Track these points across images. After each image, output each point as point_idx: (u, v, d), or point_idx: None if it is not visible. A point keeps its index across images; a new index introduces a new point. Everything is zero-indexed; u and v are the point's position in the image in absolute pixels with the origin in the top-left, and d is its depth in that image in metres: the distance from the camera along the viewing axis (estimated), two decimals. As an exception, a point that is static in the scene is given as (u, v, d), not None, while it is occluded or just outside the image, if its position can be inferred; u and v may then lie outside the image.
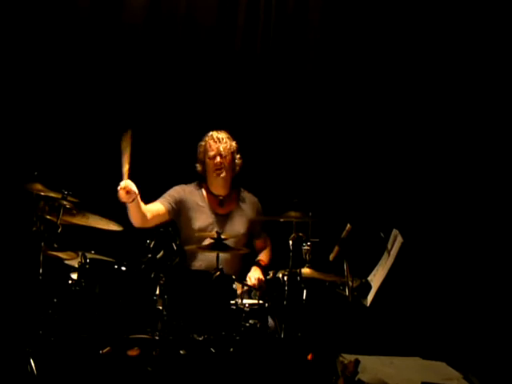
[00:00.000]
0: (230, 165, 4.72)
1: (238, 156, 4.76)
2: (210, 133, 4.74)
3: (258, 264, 4.75)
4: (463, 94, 5.08)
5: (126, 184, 4.35)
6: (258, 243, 4.88)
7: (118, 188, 4.35)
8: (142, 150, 5.02)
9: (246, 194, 4.85)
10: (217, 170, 4.69)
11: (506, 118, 5.00)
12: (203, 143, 4.74)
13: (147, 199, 4.64)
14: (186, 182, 4.83)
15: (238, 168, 4.78)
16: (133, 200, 4.42)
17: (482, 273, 4.87)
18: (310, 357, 3.92)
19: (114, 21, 5.08)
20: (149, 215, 4.61)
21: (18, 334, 3.90)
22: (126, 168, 4.34)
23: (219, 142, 4.69)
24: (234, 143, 4.74)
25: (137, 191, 4.41)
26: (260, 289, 4.38)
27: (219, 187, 4.75)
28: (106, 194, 4.58)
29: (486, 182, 5.00)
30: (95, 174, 4.97)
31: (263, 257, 4.85)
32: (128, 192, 4.37)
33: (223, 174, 4.70)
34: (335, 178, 5.16)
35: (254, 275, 4.58)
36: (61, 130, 4.99)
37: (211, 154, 4.69)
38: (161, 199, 4.72)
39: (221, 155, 4.67)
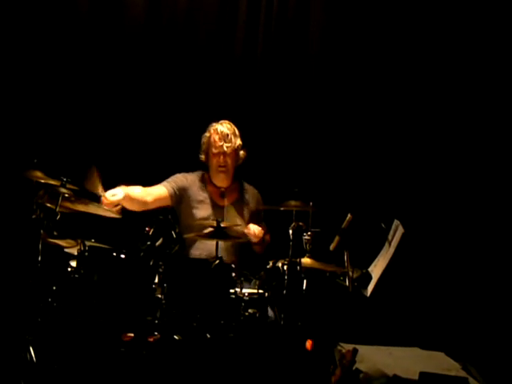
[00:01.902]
0: (232, 162, 4.70)
1: (242, 152, 4.74)
2: (215, 125, 4.69)
3: None
4: (461, 86, 5.07)
5: (108, 202, 4.34)
6: None
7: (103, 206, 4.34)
8: (147, 140, 5.09)
9: (247, 187, 4.84)
10: (220, 167, 4.68)
11: (503, 106, 5.00)
12: (208, 135, 4.70)
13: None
14: (189, 170, 4.83)
15: (241, 161, 4.76)
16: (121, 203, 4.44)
17: (481, 263, 4.85)
18: (309, 346, 3.91)
19: (114, 22, 5.07)
20: (150, 198, 4.61)
21: (17, 321, 3.89)
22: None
23: (223, 141, 4.63)
24: (238, 140, 4.69)
25: (119, 195, 4.41)
26: (258, 241, 4.48)
27: (221, 180, 4.73)
28: (106, 180, 4.59)
29: (486, 172, 4.98)
30: (95, 160, 4.97)
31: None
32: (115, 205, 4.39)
33: (225, 171, 4.69)
34: (336, 168, 5.15)
35: (255, 226, 4.59)
36: (60, 118, 4.98)
37: (215, 151, 4.66)
38: (164, 183, 4.72)
39: (224, 154, 4.65)
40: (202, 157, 4.75)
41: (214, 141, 4.66)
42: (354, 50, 5.16)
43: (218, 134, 4.66)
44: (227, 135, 4.64)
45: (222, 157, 4.65)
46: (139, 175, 4.97)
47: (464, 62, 5.07)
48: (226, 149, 4.64)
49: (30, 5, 4.93)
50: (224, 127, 4.68)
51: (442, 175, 5.05)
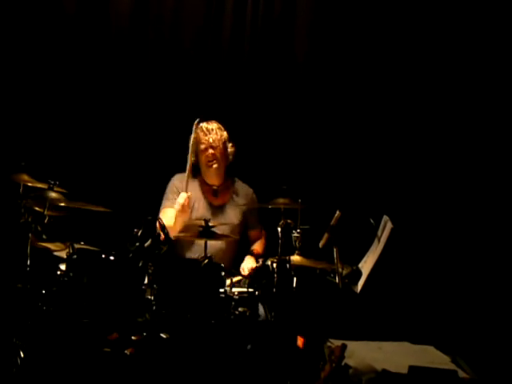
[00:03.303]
0: (222, 155, 4.72)
1: (230, 145, 4.77)
2: (200, 124, 4.72)
3: (251, 253, 4.74)
4: (452, 81, 5.06)
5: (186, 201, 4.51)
6: (253, 234, 4.88)
7: (181, 201, 4.51)
8: (136, 141, 5.09)
9: (240, 185, 4.86)
10: (209, 161, 4.70)
11: (493, 100, 4.99)
12: (194, 135, 4.72)
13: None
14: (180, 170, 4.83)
15: (231, 157, 4.79)
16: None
17: (469, 257, 4.85)
18: (301, 344, 3.91)
19: (100, 22, 5.08)
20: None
21: (6, 326, 3.88)
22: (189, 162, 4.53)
23: (209, 134, 4.68)
24: (224, 133, 4.73)
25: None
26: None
27: (213, 177, 4.76)
28: (94, 183, 4.60)
29: (473, 166, 4.97)
30: (83, 163, 4.98)
31: (257, 246, 4.85)
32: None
33: (216, 165, 4.71)
34: (324, 165, 5.14)
35: (248, 265, 4.58)
36: (48, 120, 4.98)
37: (202, 146, 4.69)
38: (167, 202, 4.71)
39: (212, 147, 4.67)
40: (192, 159, 4.75)
41: (200, 137, 4.70)
42: (340, 47, 5.16)
43: (203, 130, 4.70)
44: (212, 129, 4.70)
45: (210, 150, 4.68)
46: (130, 176, 5.00)
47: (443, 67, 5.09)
48: (212, 141, 4.67)
49: (17, 6, 4.94)
50: (208, 124, 4.72)
51: (430, 170, 5.04)
